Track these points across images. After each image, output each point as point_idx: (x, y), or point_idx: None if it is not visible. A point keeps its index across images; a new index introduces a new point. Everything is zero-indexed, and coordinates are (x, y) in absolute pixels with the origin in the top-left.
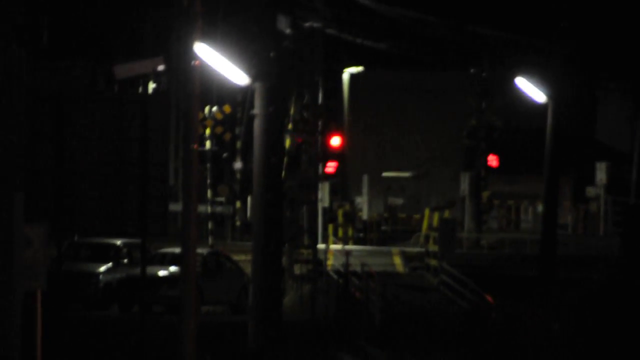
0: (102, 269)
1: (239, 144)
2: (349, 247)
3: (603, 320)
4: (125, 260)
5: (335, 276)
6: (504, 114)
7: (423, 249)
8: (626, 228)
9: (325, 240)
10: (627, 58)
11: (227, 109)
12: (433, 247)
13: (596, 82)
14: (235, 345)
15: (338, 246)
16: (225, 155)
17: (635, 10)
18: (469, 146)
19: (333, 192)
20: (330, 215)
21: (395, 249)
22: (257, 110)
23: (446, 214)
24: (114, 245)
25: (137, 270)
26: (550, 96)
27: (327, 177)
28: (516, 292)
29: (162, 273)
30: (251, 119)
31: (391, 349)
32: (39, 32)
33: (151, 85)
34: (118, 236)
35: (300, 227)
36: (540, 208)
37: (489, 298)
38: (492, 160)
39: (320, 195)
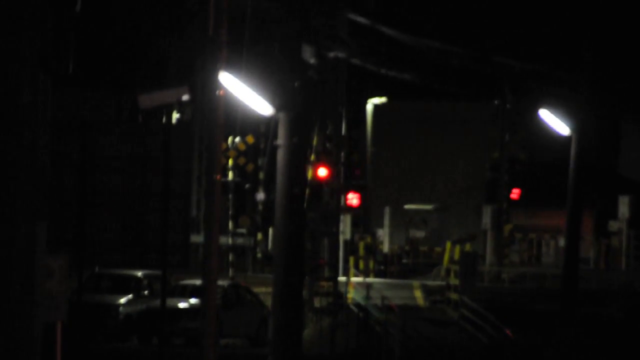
0: (123, 300)
1: (261, 175)
2: (370, 279)
3: (623, 355)
4: (146, 292)
5: (355, 309)
6: (527, 147)
7: (444, 283)
8: None
9: (346, 272)
10: None
11: (250, 139)
12: (454, 281)
13: (620, 114)
14: None
15: (359, 279)
16: (247, 186)
17: None
18: (491, 179)
19: (354, 224)
20: (351, 248)
21: (416, 282)
22: (280, 140)
23: (467, 247)
24: (135, 277)
25: (157, 302)
26: (574, 129)
27: (349, 209)
28: (537, 327)
29: (182, 305)
30: (274, 149)
31: None
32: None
33: (175, 116)
34: (139, 268)
35: (322, 259)
36: (562, 242)
37: (509, 332)
38: (514, 194)
39: (341, 227)
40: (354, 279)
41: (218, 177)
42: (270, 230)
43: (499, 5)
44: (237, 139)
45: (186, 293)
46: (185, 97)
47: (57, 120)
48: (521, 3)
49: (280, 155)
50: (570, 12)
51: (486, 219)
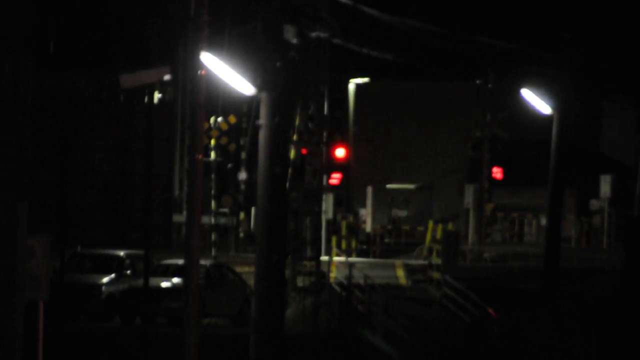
0: (105, 280)
1: (243, 155)
2: (352, 259)
3: (604, 333)
4: (128, 272)
5: (338, 289)
6: (509, 126)
7: (426, 262)
8: (629, 241)
9: (328, 252)
10: (634, 70)
11: (232, 119)
12: (436, 260)
13: (602, 94)
14: (236, 358)
15: (341, 258)
16: (229, 166)
17: None
18: (473, 158)
19: (337, 204)
20: (333, 227)
21: (398, 262)
22: (262, 120)
23: (450, 226)
24: (117, 257)
25: (139, 282)
26: (555, 108)
27: (331, 188)
28: (519, 305)
29: (165, 285)
30: (256, 129)
31: None
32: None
33: (157, 96)
34: (121, 247)
35: (304, 238)
36: (543, 221)
37: (491, 311)
38: (497, 173)
39: (324, 206)
40: (336, 259)
41: (200, 157)
42: (253, 210)
43: None
44: (219, 119)
45: (169, 272)
46: (166, 77)
47: (38, 101)
48: None
49: (262, 135)
50: None
51: (468, 198)
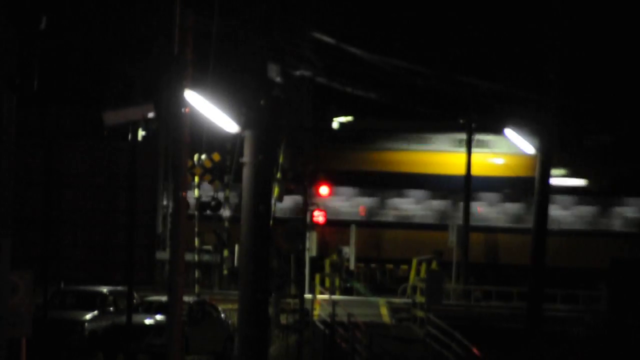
0: (88, 317)
1: (227, 192)
2: (336, 297)
3: None
4: (112, 309)
5: (321, 326)
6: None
7: (410, 300)
8: (611, 282)
9: (312, 290)
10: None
11: (216, 157)
12: (420, 298)
13: (584, 134)
14: None
15: (325, 296)
16: (213, 203)
17: (624, 63)
18: None
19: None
20: (317, 265)
21: (382, 300)
22: (246, 158)
23: (434, 265)
24: (100, 293)
25: (123, 318)
26: (539, 148)
27: (315, 226)
28: (503, 345)
29: (148, 321)
30: (240, 167)
31: None
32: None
33: (141, 133)
34: (104, 284)
35: (288, 276)
36: None
37: (475, 350)
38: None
39: (307, 244)
40: (320, 296)
41: (184, 194)
42: (236, 247)
43: (465, 26)
44: (203, 156)
45: (152, 309)
46: (150, 114)
47: (21, 136)
48: (487, 25)
49: (246, 173)
50: (536, 32)
51: (452, 237)
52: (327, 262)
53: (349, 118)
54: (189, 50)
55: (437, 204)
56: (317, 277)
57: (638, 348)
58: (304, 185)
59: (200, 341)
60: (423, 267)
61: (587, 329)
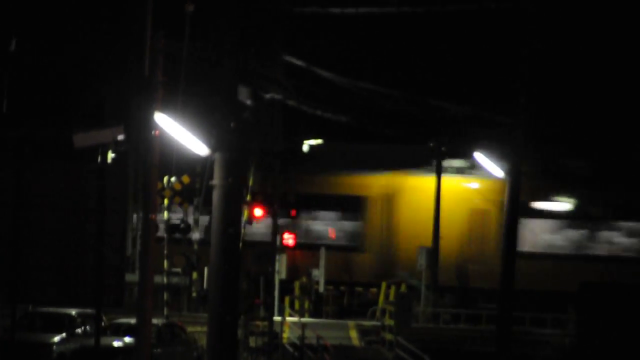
0: (56, 339)
1: (196, 215)
2: (305, 319)
3: None
4: (80, 331)
5: (290, 349)
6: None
7: (379, 323)
8: (579, 305)
9: (281, 312)
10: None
11: (185, 179)
12: (389, 321)
13: (553, 158)
14: None
15: (294, 319)
16: (182, 225)
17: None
18: None
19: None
20: (287, 287)
21: (351, 323)
22: (216, 181)
23: (403, 287)
24: (69, 316)
25: (91, 341)
26: (508, 172)
27: (285, 248)
28: None
29: (116, 344)
30: (210, 189)
31: None
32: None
33: (110, 155)
34: (73, 306)
35: (257, 299)
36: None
37: None
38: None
39: (277, 266)
40: (289, 319)
41: (153, 217)
42: (206, 270)
43: (435, 51)
44: (173, 179)
45: (120, 332)
46: (120, 137)
47: None
48: (456, 48)
49: (216, 196)
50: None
51: (421, 260)
52: (296, 285)
53: (319, 141)
54: (159, 73)
55: None
56: (287, 300)
57: None
58: (273, 208)
59: None
60: (392, 290)
61: (554, 351)
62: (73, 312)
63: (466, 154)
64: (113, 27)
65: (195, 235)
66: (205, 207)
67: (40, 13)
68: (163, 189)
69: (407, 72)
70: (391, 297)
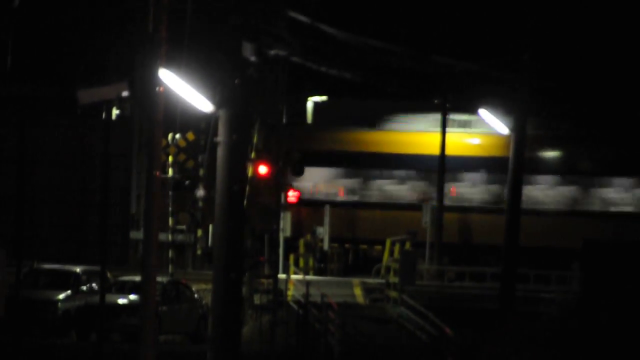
0: (61, 296)
1: (201, 172)
2: (310, 277)
3: (559, 355)
4: (85, 288)
5: (295, 307)
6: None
7: (384, 281)
8: (584, 262)
9: (286, 270)
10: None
11: (190, 136)
12: (394, 279)
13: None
14: None
15: (299, 276)
16: (187, 182)
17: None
18: None
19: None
20: (291, 245)
21: (356, 280)
22: (220, 137)
23: (407, 245)
24: (74, 273)
25: (96, 298)
26: (513, 128)
27: (290, 206)
28: (476, 325)
29: (121, 301)
30: (214, 146)
31: None
32: (3, 56)
33: (115, 112)
34: (78, 263)
35: (261, 257)
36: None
37: (448, 330)
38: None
39: (281, 224)
40: (293, 277)
41: (157, 173)
42: (210, 227)
43: (440, 6)
44: (177, 136)
45: (125, 289)
46: (124, 93)
47: None
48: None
49: (220, 153)
50: (509, 12)
51: (426, 217)
52: (301, 243)
53: (324, 98)
54: (163, 29)
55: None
56: (291, 258)
57: (608, 328)
58: (278, 165)
59: (174, 321)
60: (397, 248)
61: (559, 309)
62: (78, 269)
63: (471, 111)
64: None
65: (200, 193)
66: (210, 164)
67: None
68: (168, 146)
69: (412, 29)
70: (396, 255)
